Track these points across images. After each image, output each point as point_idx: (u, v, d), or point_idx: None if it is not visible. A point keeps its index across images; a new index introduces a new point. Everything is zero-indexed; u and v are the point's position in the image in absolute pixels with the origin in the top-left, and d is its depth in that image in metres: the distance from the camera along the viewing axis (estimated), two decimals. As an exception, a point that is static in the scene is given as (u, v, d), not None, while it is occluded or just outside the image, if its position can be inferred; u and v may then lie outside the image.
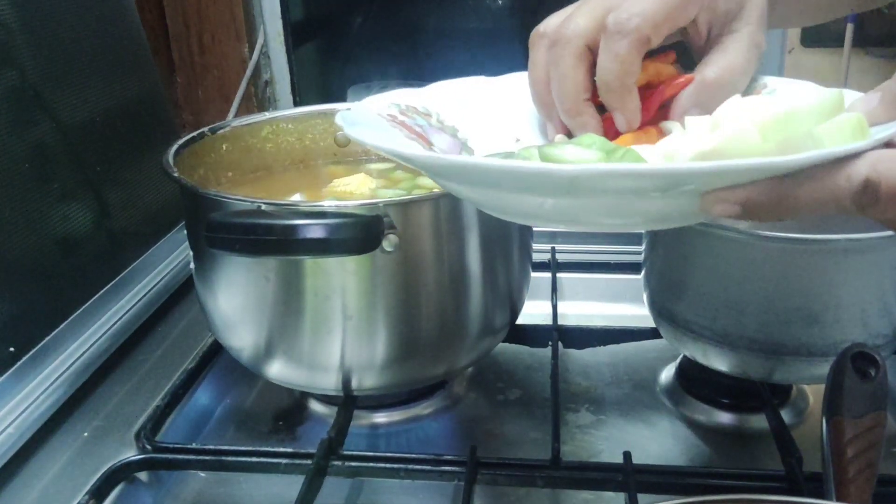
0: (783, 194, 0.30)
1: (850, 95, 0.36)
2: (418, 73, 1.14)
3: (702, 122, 0.39)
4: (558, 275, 0.79)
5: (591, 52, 0.41)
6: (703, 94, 0.41)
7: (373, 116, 0.42)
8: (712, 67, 0.41)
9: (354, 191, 0.66)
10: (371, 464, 0.55)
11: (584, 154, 0.36)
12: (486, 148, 0.45)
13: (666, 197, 0.31)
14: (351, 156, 0.76)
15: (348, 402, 0.60)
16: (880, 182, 0.29)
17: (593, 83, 0.42)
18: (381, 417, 0.64)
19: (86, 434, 0.61)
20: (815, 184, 0.29)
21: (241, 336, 0.59)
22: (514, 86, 0.47)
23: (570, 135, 0.43)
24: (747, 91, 0.43)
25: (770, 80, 0.43)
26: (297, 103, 1.09)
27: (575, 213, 0.34)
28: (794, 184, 0.30)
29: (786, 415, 0.61)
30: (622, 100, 0.40)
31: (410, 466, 0.55)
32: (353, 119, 0.40)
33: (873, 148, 0.29)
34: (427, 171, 0.39)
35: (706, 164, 0.30)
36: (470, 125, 0.46)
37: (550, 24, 0.43)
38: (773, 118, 0.33)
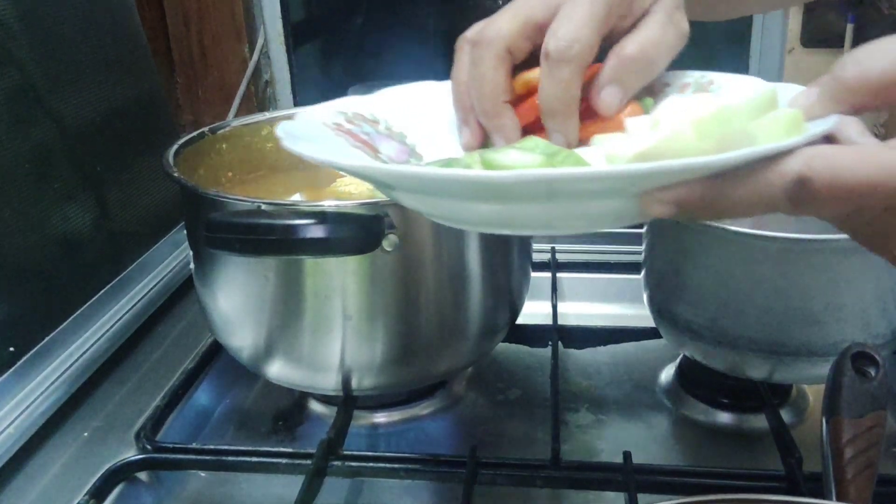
0: (717, 193, 0.30)
1: (794, 90, 0.35)
2: (418, 72, 1.14)
3: (642, 122, 0.39)
4: (558, 275, 0.79)
5: (512, 55, 0.41)
6: (619, 69, 0.41)
7: (316, 126, 0.41)
8: (628, 43, 0.41)
9: (354, 191, 0.66)
10: (371, 464, 0.55)
11: (526, 158, 0.36)
12: (435, 153, 0.44)
13: (604, 198, 0.31)
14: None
15: (348, 402, 0.60)
16: (813, 178, 0.28)
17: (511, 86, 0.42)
18: (381, 417, 0.64)
19: (86, 434, 0.61)
20: (749, 182, 0.29)
21: (241, 336, 0.59)
22: None
23: (486, 142, 0.44)
24: (694, 89, 0.43)
25: (716, 77, 0.42)
26: (297, 103, 1.09)
27: (514, 218, 0.34)
28: (727, 183, 0.29)
29: (786, 415, 0.61)
30: (564, 123, 0.41)
31: (410, 466, 0.55)
32: (293, 131, 0.39)
33: (808, 144, 0.29)
34: (365, 181, 0.39)
35: (633, 166, 0.30)
36: (419, 130, 0.45)
37: (475, 28, 0.43)
38: (708, 116, 0.33)
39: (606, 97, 0.40)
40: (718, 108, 0.33)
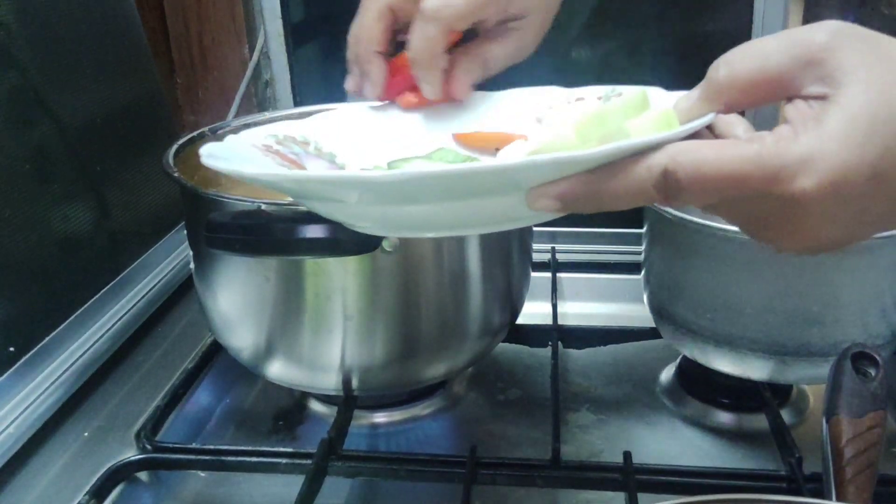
0: (595, 188, 0.32)
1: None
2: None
3: (539, 131, 0.42)
4: (558, 275, 0.79)
5: (394, 14, 0.47)
6: (466, 64, 0.47)
7: (244, 147, 0.42)
8: (476, 49, 0.48)
9: None
10: (371, 464, 0.55)
11: (432, 167, 0.39)
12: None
13: (493, 196, 0.33)
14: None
15: (348, 402, 0.60)
16: (678, 171, 0.30)
17: (389, 43, 0.48)
18: (381, 417, 0.64)
19: (86, 434, 0.61)
20: (622, 176, 0.31)
21: (241, 336, 0.58)
22: (390, 109, 0.49)
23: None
24: (605, 100, 0.45)
25: (625, 90, 0.44)
26: (297, 103, 1.09)
27: (405, 219, 0.36)
28: (603, 177, 0.32)
29: (786, 415, 0.61)
30: (427, 73, 0.46)
31: (410, 466, 0.55)
32: (216, 151, 0.39)
33: (674, 140, 0.31)
34: (273, 190, 0.41)
35: (509, 162, 0.33)
36: (348, 150, 0.47)
37: None
38: (587, 117, 0.36)
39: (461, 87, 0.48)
40: (596, 110, 0.36)
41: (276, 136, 0.45)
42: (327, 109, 0.74)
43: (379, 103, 0.49)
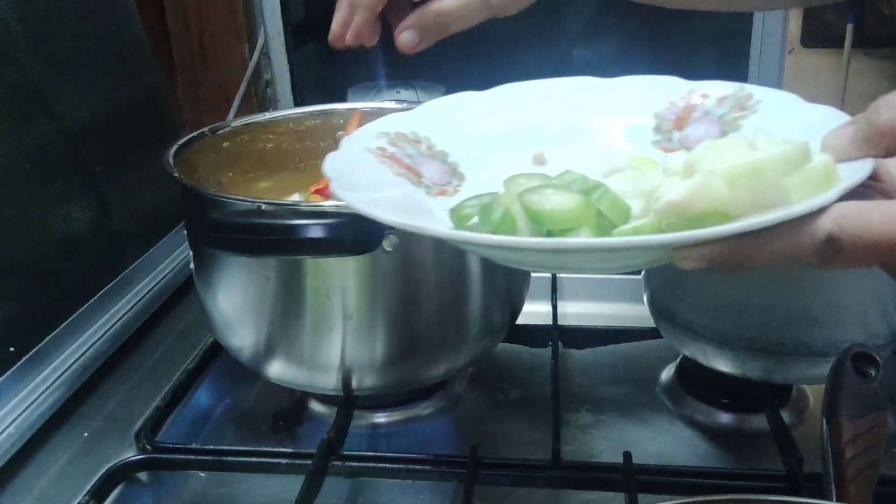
0: (747, 252, 0.31)
1: (828, 114, 0.37)
2: (418, 73, 1.14)
3: (677, 158, 0.40)
4: (558, 275, 0.79)
5: None
6: (419, 21, 0.49)
7: (360, 155, 0.42)
8: (432, 5, 0.49)
9: None
10: (371, 464, 0.55)
11: (564, 199, 0.38)
12: (476, 170, 0.45)
13: (643, 253, 0.35)
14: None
15: (348, 402, 0.60)
16: (842, 237, 0.29)
17: None
18: (381, 417, 0.64)
19: (86, 434, 0.61)
20: (779, 241, 0.30)
21: (241, 336, 0.59)
22: (503, 99, 0.48)
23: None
24: (732, 103, 0.44)
25: (756, 91, 0.43)
26: (297, 103, 1.09)
27: (555, 265, 0.39)
28: (758, 242, 0.30)
29: (786, 415, 0.61)
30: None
31: (410, 466, 0.55)
32: (339, 167, 0.40)
33: (838, 199, 0.30)
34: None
35: (668, 236, 0.32)
36: (460, 147, 0.46)
37: None
38: (741, 168, 0.34)
39: (405, 38, 0.50)
40: (751, 161, 0.34)
41: (387, 135, 0.44)
42: (328, 109, 0.75)
43: (485, 91, 0.48)
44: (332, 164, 0.40)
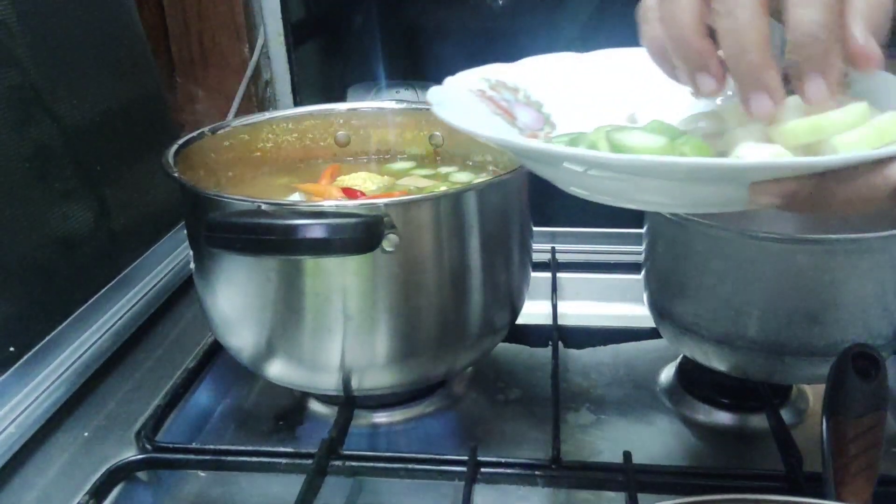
0: (824, 190, 0.31)
1: None
2: (418, 73, 1.14)
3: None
4: (558, 275, 0.79)
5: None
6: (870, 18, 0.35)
7: (462, 92, 0.44)
8: None
9: (362, 185, 0.67)
10: (371, 464, 0.55)
11: (651, 140, 0.39)
12: (569, 122, 0.46)
13: (719, 185, 0.34)
14: (351, 155, 0.76)
15: (348, 402, 0.60)
16: None
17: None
18: (381, 417, 0.64)
19: (86, 434, 0.61)
20: (854, 182, 0.31)
21: (241, 336, 0.58)
22: (601, 62, 0.48)
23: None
24: None
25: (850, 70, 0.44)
26: (297, 103, 1.09)
27: (629, 193, 0.37)
28: (834, 181, 0.31)
29: (786, 415, 0.61)
30: (827, 58, 0.33)
31: (410, 466, 0.55)
32: (441, 97, 0.42)
33: None
34: (514, 155, 0.41)
35: (756, 161, 0.33)
36: (555, 100, 0.47)
37: None
38: (803, 125, 0.35)
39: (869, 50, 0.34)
40: (812, 120, 0.34)
41: (488, 81, 0.46)
42: (328, 109, 0.75)
43: (583, 53, 0.47)
44: (436, 95, 0.42)
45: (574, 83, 0.48)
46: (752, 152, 0.38)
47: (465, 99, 0.44)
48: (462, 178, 0.71)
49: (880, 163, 0.31)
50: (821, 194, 0.31)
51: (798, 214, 0.33)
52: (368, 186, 0.67)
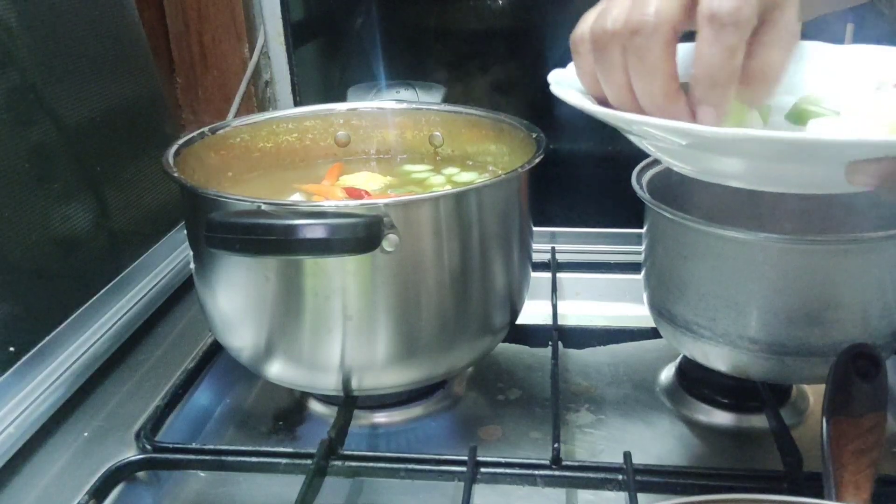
0: None
1: None
2: (418, 73, 1.14)
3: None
4: (558, 275, 0.79)
5: (676, 37, 0.38)
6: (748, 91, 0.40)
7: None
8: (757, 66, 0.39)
9: (359, 183, 0.67)
10: (371, 464, 0.55)
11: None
12: None
13: (812, 164, 0.35)
14: (351, 155, 0.76)
15: (348, 402, 0.60)
16: None
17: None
18: (381, 417, 0.64)
19: (86, 434, 0.61)
20: None
21: (241, 336, 0.59)
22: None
23: None
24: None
25: None
26: (297, 103, 1.09)
27: (729, 170, 0.39)
28: None
29: (786, 415, 0.61)
30: (723, 95, 0.37)
31: (410, 466, 0.55)
32: (563, 78, 0.44)
33: None
34: (632, 132, 0.42)
35: (859, 138, 0.33)
36: None
37: (603, 23, 0.39)
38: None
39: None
40: None
41: None
42: (328, 109, 0.75)
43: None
44: (557, 76, 0.45)
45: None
46: (830, 129, 0.38)
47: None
48: (462, 178, 0.71)
49: None
50: None
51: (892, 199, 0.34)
52: (371, 186, 0.67)
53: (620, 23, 0.38)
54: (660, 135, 0.38)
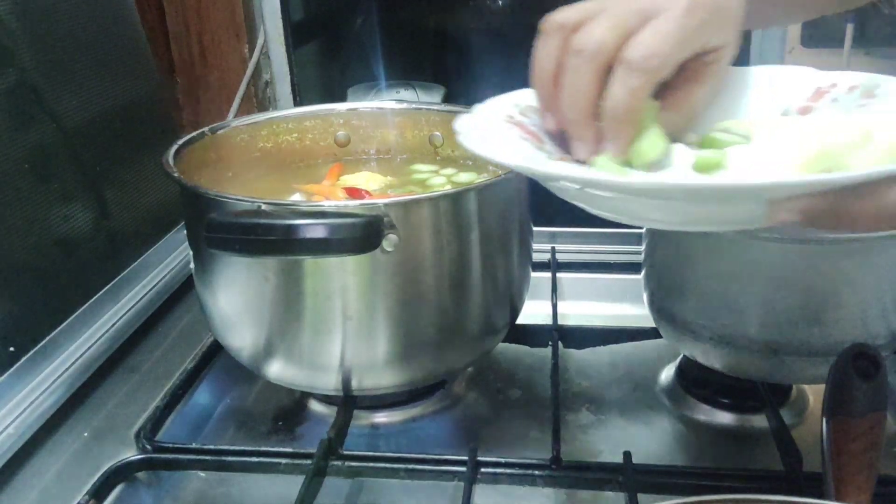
0: (841, 207, 0.32)
1: None
2: (419, 73, 1.14)
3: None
4: (558, 275, 0.79)
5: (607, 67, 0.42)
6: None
7: (489, 119, 0.45)
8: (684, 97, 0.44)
9: (360, 183, 0.67)
10: (371, 464, 0.55)
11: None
12: None
13: (738, 204, 0.35)
14: (351, 155, 0.76)
15: (348, 402, 0.60)
16: None
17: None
18: (381, 417, 0.64)
19: (86, 434, 0.61)
20: (872, 198, 0.32)
21: (241, 336, 0.59)
22: None
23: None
24: (861, 92, 0.45)
25: (883, 81, 0.44)
26: (297, 103, 1.09)
27: (647, 214, 0.39)
28: (852, 197, 0.32)
29: (786, 415, 0.61)
30: (621, 129, 0.42)
31: (410, 466, 0.55)
32: (468, 125, 0.43)
33: None
34: (541, 180, 0.42)
35: (762, 181, 0.34)
36: None
37: (570, 19, 0.42)
38: (811, 156, 0.37)
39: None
40: (819, 149, 0.37)
41: (518, 106, 0.47)
42: (328, 109, 0.75)
43: None
44: (463, 124, 0.43)
45: None
46: (748, 164, 0.38)
47: (493, 126, 0.44)
48: (462, 178, 0.71)
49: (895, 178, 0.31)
50: (839, 210, 0.32)
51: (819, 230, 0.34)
52: (371, 186, 0.67)
53: (570, 24, 0.42)
54: (569, 185, 0.38)
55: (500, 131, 0.44)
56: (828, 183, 0.32)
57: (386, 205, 0.51)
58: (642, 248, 0.64)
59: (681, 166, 0.42)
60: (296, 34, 1.07)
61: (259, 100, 1.12)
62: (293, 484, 0.51)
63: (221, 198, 0.53)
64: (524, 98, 0.47)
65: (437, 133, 0.74)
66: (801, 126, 0.43)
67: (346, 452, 0.56)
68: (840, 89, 0.45)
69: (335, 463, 0.55)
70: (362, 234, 0.49)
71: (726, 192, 0.34)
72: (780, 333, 0.55)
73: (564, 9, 0.43)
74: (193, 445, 0.58)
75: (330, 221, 0.48)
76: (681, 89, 0.44)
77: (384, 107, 0.76)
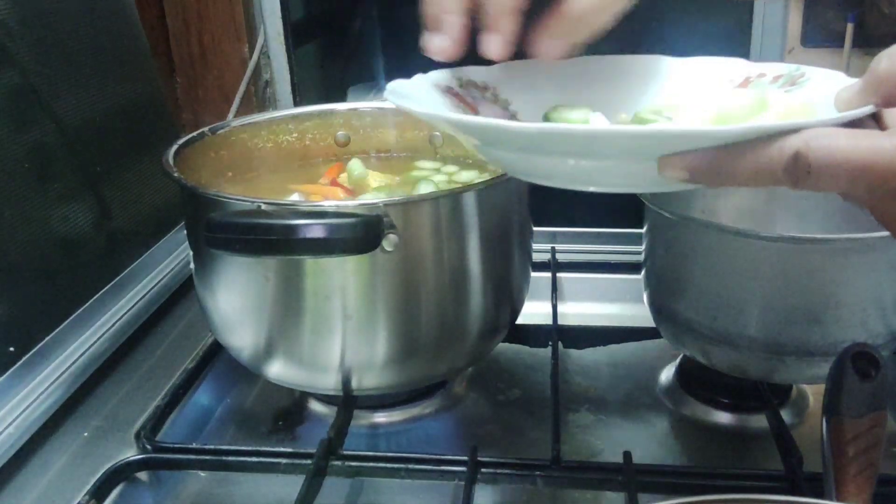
0: (724, 162, 0.33)
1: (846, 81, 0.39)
2: (418, 73, 1.14)
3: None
4: (558, 275, 0.79)
5: None
6: (561, 27, 0.44)
7: (425, 87, 0.45)
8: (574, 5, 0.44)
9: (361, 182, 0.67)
10: (371, 464, 0.55)
11: (584, 115, 0.42)
12: (534, 120, 0.47)
13: (627, 159, 0.36)
14: (351, 155, 0.76)
15: (348, 402, 0.60)
16: (808, 155, 0.31)
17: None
18: (381, 417, 0.64)
19: (86, 434, 0.61)
20: (752, 154, 0.32)
21: (241, 336, 0.59)
22: (575, 68, 0.49)
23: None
24: (785, 80, 0.45)
25: (808, 70, 0.45)
26: (297, 103, 1.09)
27: (550, 170, 0.39)
28: (735, 153, 0.33)
29: (786, 415, 0.61)
30: (503, 22, 0.43)
31: (410, 466, 0.55)
32: (400, 89, 0.43)
33: (816, 126, 0.32)
34: (454, 132, 0.42)
35: (650, 127, 0.35)
36: (524, 100, 0.48)
37: None
38: (711, 119, 0.39)
39: (549, 47, 0.44)
40: (717, 112, 0.39)
41: (460, 80, 0.47)
42: (328, 109, 0.75)
43: (569, 59, 0.48)
44: (394, 87, 0.43)
45: (545, 86, 0.48)
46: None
47: (428, 92, 0.45)
48: (462, 177, 0.71)
49: (776, 136, 0.32)
50: (722, 166, 0.33)
51: (708, 188, 0.37)
52: (371, 186, 0.67)
53: None
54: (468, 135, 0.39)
55: (433, 98, 0.44)
56: (706, 136, 0.33)
57: (386, 204, 0.51)
58: (642, 248, 0.64)
59: None
60: (296, 34, 1.07)
61: (259, 100, 1.12)
62: (293, 484, 0.51)
63: (221, 198, 0.53)
64: (466, 73, 0.47)
65: (437, 133, 0.74)
66: (720, 95, 0.45)
67: (346, 452, 0.56)
68: (767, 78, 0.46)
69: (335, 463, 0.55)
70: (362, 234, 0.49)
71: (611, 137, 0.35)
72: (780, 333, 0.55)
73: None
74: (194, 445, 0.58)
75: (330, 221, 0.48)
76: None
77: (384, 107, 0.76)
